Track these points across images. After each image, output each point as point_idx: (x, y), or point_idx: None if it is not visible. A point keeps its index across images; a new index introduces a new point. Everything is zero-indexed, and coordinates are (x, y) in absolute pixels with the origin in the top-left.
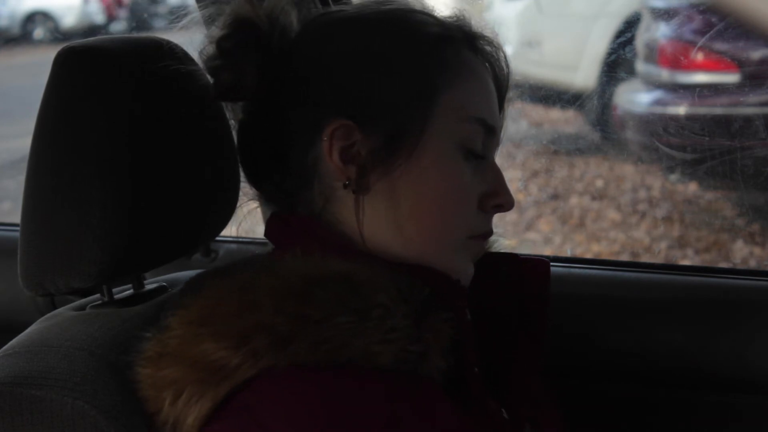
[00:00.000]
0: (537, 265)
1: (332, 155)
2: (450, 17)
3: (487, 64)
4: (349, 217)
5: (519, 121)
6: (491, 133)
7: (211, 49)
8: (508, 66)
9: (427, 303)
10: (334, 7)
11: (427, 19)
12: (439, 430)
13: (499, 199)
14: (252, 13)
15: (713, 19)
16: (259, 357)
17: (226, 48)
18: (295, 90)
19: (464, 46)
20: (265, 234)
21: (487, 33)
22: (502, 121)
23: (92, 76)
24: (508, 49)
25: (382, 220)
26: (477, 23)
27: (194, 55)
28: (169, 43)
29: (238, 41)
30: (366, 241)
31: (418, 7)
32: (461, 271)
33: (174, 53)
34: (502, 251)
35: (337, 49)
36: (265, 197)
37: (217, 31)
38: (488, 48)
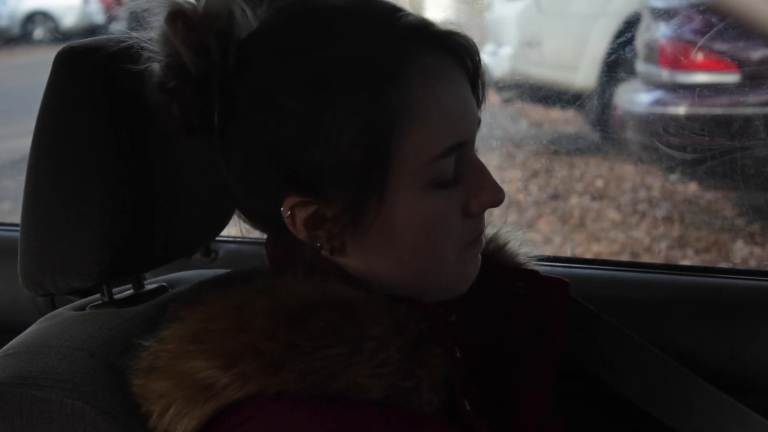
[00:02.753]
0: (557, 284)
1: (296, 227)
2: (394, 15)
3: (451, 60)
4: (326, 267)
5: (519, 121)
6: (466, 144)
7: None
8: (475, 49)
9: (423, 336)
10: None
11: (361, 43)
12: None
13: (485, 199)
14: (185, 52)
15: (713, 19)
16: (247, 380)
17: (168, 89)
18: (241, 155)
19: (418, 59)
20: (266, 250)
21: (442, 26)
22: (480, 110)
23: (92, 76)
24: (508, 50)
25: (371, 259)
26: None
27: None
28: None
29: (178, 83)
30: (362, 273)
31: (348, 22)
32: (462, 280)
33: None
34: (522, 267)
35: (274, 109)
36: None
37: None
38: (449, 41)
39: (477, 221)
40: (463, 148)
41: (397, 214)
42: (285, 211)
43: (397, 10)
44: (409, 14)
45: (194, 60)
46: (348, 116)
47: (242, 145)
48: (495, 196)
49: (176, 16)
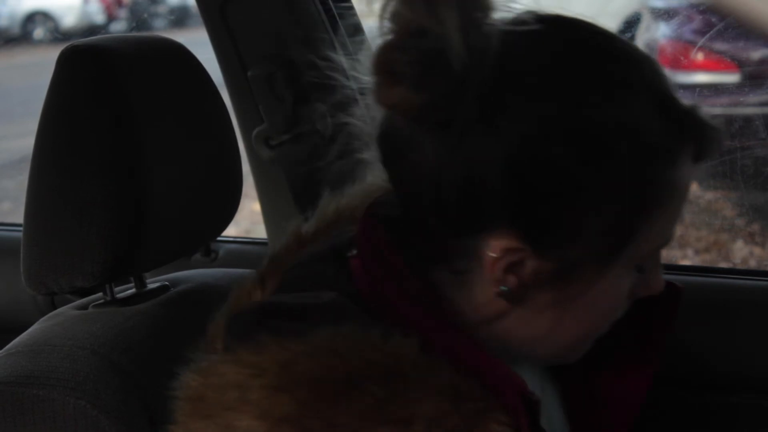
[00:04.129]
0: (670, 287)
1: (494, 268)
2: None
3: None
4: (480, 305)
5: None
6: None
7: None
8: (720, 143)
9: (484, 410)
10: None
11: (648, 112)
12: None
13: (654, 289)
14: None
15: (713, 19)
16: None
17: (411, 74)
18: (472, 168)
19: (689, 145)
20: (358, 238)
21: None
22: None
23: (95, 75)
24: None
25: (523, 324)
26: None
27: (199, 55)
28: (171, 41)
29: (437, 76)
30: (482, 331)
31: (635, 80)
32: (581, 353)
33: (178, 53)
34: None
35: (537, 147)
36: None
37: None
38: (712, 133)
39: (628, 303)
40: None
41: (595, 288)
42: (494, 249)
43: (667, 80)
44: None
45: (461, 54)
46: (618, 186)
47: (481, 159)
48: (661, 288)
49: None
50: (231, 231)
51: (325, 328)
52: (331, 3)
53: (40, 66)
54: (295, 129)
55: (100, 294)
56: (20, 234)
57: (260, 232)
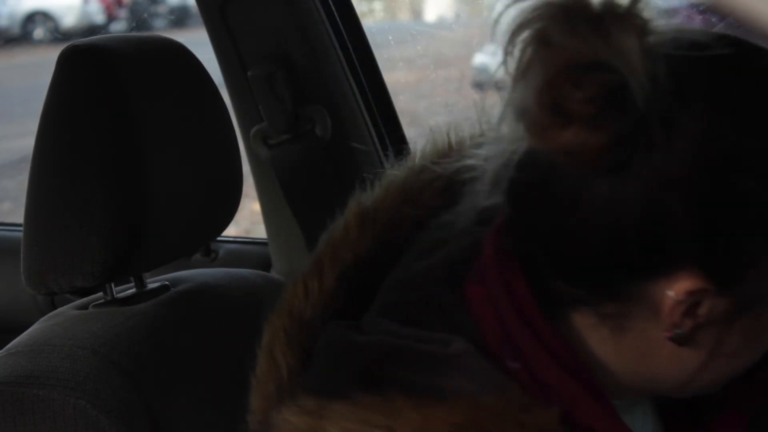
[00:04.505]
0: None
1: (674, 312)
2: None
3: None
4: (629, 349)
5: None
6: None
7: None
8: None
9: None
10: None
11: None
12: None
13: None
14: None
15: (713, 19)
16: None
17: (586, 113)
18: (649, 206)
19: None
20: (486, 259)
21: None
22: None
23: (96, 75)
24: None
25: (675, 364)
26: None
27: (199, 55)
28: (173, 42)
29: (605, 106)
30: (623, 377)
31: None
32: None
33: (178, 53)
34: None
35: (718, 185)
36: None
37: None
38: None
39: None
40: None
41: (762, 322)
42: (677, 292)
43: None
44: None
45: (644, 86)
46: None
47: (665, 197)
48: None
49: (634, 25)
50: (231, 231)
51: (466, 395)
52: (331, 3)
53: (40, 66)
54: (295, 130)
55: (100, 294)
56: (20, 234)
57: (260, 232)
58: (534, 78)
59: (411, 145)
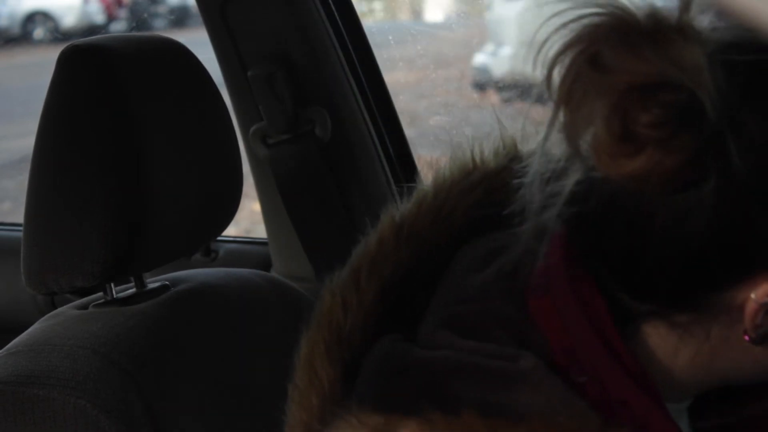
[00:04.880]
0: None
1: (757, 315)
2: None
3: None
4: (696, 358)
5: (519, 121)
6: None
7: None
8: None
9: None
10: None
11: None
12: None
13: None
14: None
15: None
16: None
17: (655, 137)
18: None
19: None
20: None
21: None
22: None
23: (96, 75)
24: (508, 50)
25: (749, 362)
26: None
27: (199, 55)
28: (173, 42)
29: (684, 129)
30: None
31: None
32: None
33: (178, 53)
34: None
35: None
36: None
37: (633, 103)
38: None
39: None
40: None
41: None
42: (760, 296)
43: None
44: None
45: (715, 99)
46: None
47: (743, 206)
48: None
49: (691, 37)
50: (231, 231)
51: (538, 413)
52: (331, 3)
53: (40, 66)
54: (294, 130)
55: (100, 294)
56: (20, 234)
57: (260, 232)
58: (593, 104)
59: (411, 146)
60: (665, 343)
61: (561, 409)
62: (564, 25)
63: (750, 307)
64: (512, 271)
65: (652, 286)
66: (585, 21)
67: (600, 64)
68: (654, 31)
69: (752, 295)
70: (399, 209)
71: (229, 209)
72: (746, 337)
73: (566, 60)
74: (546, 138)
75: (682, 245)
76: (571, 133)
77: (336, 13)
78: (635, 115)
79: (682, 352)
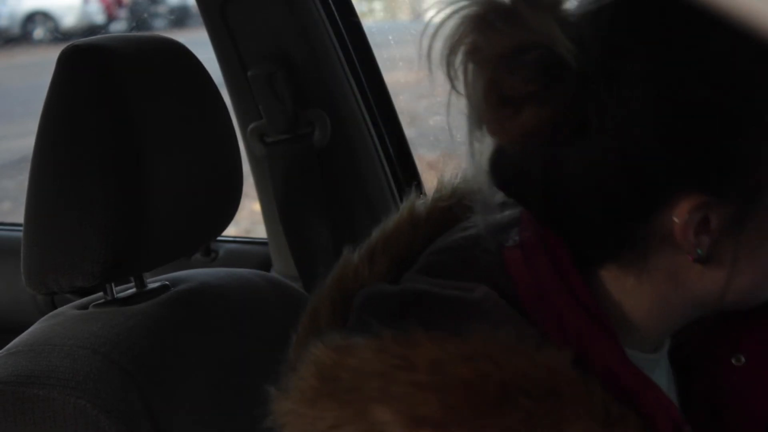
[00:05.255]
0: None
1: (686, 233)
2: None
3: None
4: (638, 289)
5: None
6: None
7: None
8: None
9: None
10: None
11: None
12: None
13: None
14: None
15: None
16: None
17: (530, 92)
18: (626, 145)
19: None
20: (521, 233)
21: None
22: None
23: (96, 75)
24: None
25: (705, 282)
26: None
27: (199, 55)
28: (173, 42)
29: (545, 82)
30: (627, 311)
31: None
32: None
33: (178, 53)
34: None
35: (676, 96)
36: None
37: (502, 71)
38: None
39: None
40: None
41: None
42: (680, 215)
43: None
44: None
45: (571, 49)
46: (762, 108)
47: (635, 136)
48: None
49: (544, 4)
50: (231, 231)
51: (481, 330)
52: (331, 3)
53: (40, 66)
54: (294, 131)
55: (100, 294)
56: (20, 234)
57: (260, 232)
58: (476, 86)
59: (411, 146)
60: (623, 285)
61: (506, 330)
62: (443, 21)
63: (678, 229)
64: (500, 229)
65: (590, 230)
66: (460, 14)
67: (477, 50)
68: (510, 9)
69: (674, 218)
70: (420, 201)
71: (229, 209)
72: (690, 258)
73: (453, 55)
74: (470, 134)
75: (595, 189)
76: (471, 117)
77: (336, 13)
78: (505, 81)
79: (642, 291)
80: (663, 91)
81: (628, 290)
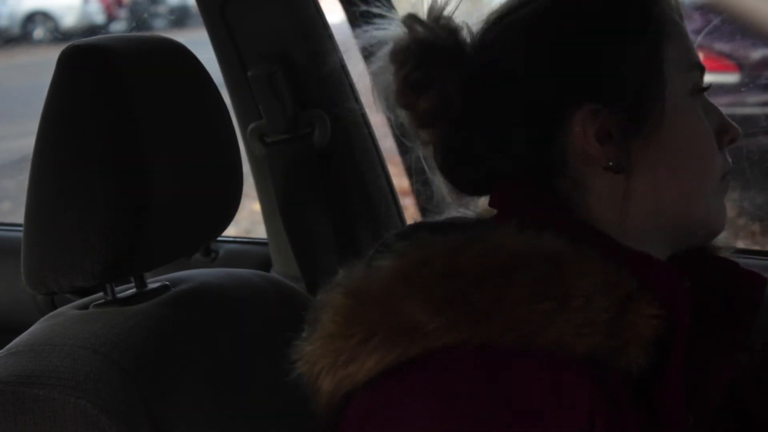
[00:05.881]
0: (754, 277)
1: (588, 141)
2: None
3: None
4: (594, 203)
5: None
6: (703, 72)
7: (393, 83)
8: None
9: (633, 295)
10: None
11: None
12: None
13: (730, 132)
14: (431, 34)
15: (713, 19)
16: (455, 326)
17: (417, 79)
18: (517, 87)
19: None
20: (490, 200)
21: None
22: None
23: (96, 75)
24: None
25: (636, 194)
26: None
27: (199, 55)
28: (173, 42)
29: (431, 68)
30: (601, 222)
31: None
32: (721, 215)
33: (178, 53)
34: (723, 257)
35: (557, 35)
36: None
37: (394, 66)
38: None
39: (724, 155)
40: (702, 73)
41: (671, 125)
42: (577, 123)
43: None
44: None
45: (445, 36)
46: (625, 16)
47: (509, 70)
48: (737, 131)
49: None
50: (231, 231)
51: (481, 227)
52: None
53: (40, 66)
54: (294, 131)
55: (100, 294)
56: (20, 234)
57: (260, 232)
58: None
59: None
60: (587, 194)
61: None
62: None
63: (579, 140)
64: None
65: (521, 162)
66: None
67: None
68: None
69: (576, 128)
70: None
71: (229, 209)
72: (604, 167)
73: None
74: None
75: (513, 122)
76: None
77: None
78: (404, 75)
79: (598, 199)
80: (542, 11)
81: (589, 194)
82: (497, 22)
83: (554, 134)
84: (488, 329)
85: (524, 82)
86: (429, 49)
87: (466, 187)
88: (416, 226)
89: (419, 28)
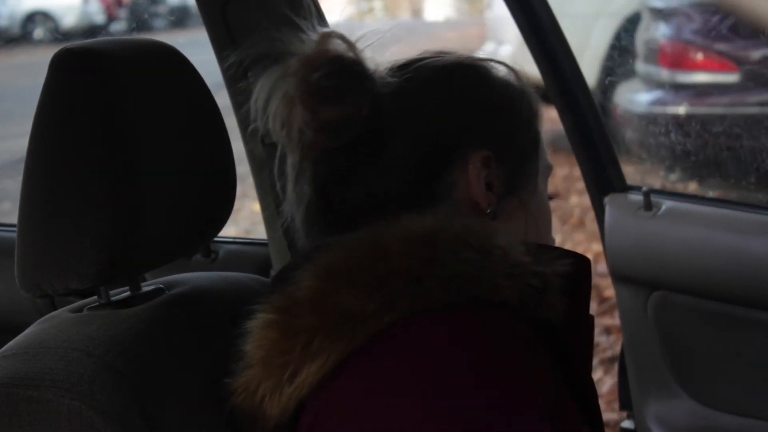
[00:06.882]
0: (579, 260)
1: (479, 182)
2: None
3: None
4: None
5: None
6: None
7: (302, 87)
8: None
9: (542, 250)
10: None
11: (515, 89)
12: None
13: (553, 195)
14: (353, 52)
15: (713, 19)
16: (394, 301)
17: (325, 87)
18: (421, 119)
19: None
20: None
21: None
22: None
23: (89, 78)
24: (508, 49)
25: (515, 231)
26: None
27: (199, 55)
28: (165, 45)
29: (342, 82)
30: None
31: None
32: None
33: (171, 56)
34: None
35: (472, 93)
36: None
37: (308, 70)
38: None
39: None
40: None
41: (534, 195)
42: (471, 163)
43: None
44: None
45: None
46: (524, 100)
47: (421, 105)
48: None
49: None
50: (231, 231)
51: (393, 217)
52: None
53: (40, 66)
54: None
55: (95, 297)
56: None
57: (260, 232)
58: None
59: None
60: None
61: None
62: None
63: (466, 184)
64: None
65: (401, 189)
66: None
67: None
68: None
69: (470, 164)
70: None
71: (223, 212)
72: (486, 211)
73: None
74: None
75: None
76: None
77: None
78: (310, 79)
79: (508, 230)
80: (438, 100)
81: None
82: (409, 64)
83: (444, 170)
84: (427, 290)
85: (430, 116)
86: (345, 65)
87: (337, 206)
88: (320, 239)
89: (340, 43)
